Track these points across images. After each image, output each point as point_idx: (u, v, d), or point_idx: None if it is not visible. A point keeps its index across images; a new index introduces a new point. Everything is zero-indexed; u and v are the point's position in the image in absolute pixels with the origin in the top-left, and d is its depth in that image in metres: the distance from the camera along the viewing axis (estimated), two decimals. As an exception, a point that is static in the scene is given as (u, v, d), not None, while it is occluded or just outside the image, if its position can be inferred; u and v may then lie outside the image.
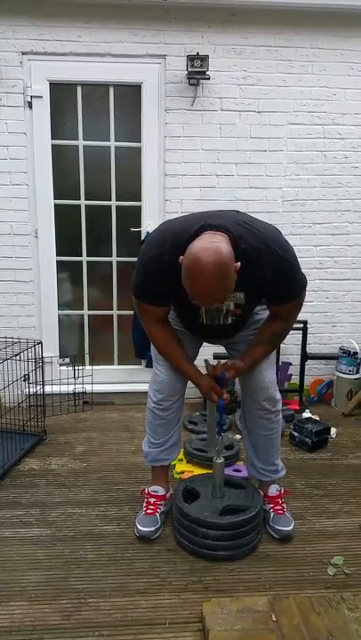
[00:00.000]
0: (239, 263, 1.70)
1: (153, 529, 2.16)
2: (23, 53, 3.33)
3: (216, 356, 3.29)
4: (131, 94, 3.48)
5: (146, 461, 2.35)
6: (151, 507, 2.23)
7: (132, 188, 3.56)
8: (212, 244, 1.65)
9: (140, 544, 2.13)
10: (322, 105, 3.54)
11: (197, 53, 3.28)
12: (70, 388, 3.60)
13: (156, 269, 1.89)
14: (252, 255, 1.79)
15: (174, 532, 2.16)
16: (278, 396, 2.22)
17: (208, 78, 3.33)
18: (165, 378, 2.18)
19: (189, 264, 1.65)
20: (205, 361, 2.19)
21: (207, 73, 3.30)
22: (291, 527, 2.18)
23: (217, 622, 1.65)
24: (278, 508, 2.24)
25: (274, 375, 2.22)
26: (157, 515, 2.22)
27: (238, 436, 3.09)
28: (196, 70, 3.28)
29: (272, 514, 2.22)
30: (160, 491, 2.28)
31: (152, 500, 2.26)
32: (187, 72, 3.31)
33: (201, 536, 2.04)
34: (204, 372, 2.13)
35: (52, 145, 3.46)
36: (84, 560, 2.04)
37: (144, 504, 2.26)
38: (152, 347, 2.19)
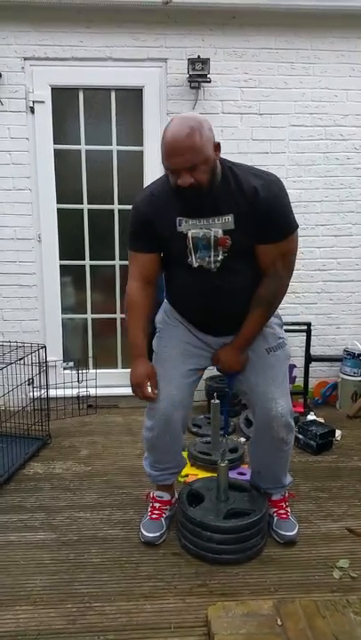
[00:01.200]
0: (218, 142, 1.75)
1: (158, 534, 2.15)
2: (25, 59, 3.34)
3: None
4: (132, 98, 3.49)
5: (149, 480, 2.31)
6: (156, 512, 2.23)
7: (134, 191, 3.50)
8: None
9: (145, 548, 2.13)
10: (323, 106, 3.54)
11: (198, 56, 3.29)
12: (74, 392, 3.60)
13: (143, 205, 1.91)
14: (243, 180, 1.80)
15: (179, 536, 2.16)
16: (293, 423, 2.09)
17: (209, 81, 3.34)
18: (162, 407, 2.02)
19: (167, 126, 1.73)
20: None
21: (208, 76, 3.31)
22: (294, 532, 2.16)
23: (222, 626, 1.64)
24: (282, 512, 2.22)
25: (289, 402, 2.06)
26: (162, 520, 2.21)
27: (243, 439, 3.09)
28: (198, 73, 3.29)
29: (275, 518, 2.21)
30: (165, 496, 2.27)
31: (157, 504, 2.25)
32: (188, 75, 3.32)
33: (205, 540, 2.03)
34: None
35: (55, 150, 3.47)
36: (89, 564, 2.04)
37: (149, 508, 2.26)
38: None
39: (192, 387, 2.12)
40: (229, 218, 1.81)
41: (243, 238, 1.83)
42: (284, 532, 2.15)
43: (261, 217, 1.79)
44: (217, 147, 1.76)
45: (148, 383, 2.00)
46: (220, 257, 1.85)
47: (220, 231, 1.82)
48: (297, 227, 1.90)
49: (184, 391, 2.06)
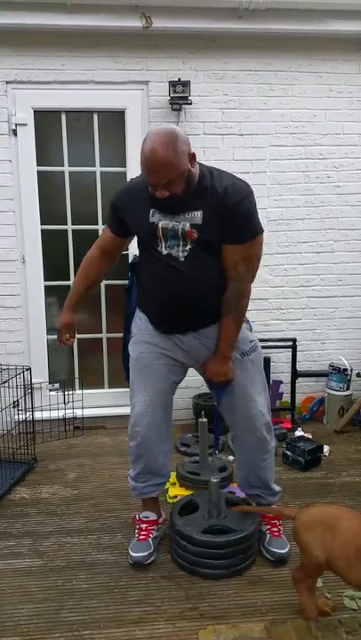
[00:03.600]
0: (194, 152, 1.86)
1: (146, 554, 2.13)
2: (7, 82, 3.36)
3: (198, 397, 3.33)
4: (115, 120, 3.53)
5: (133, 494, 2.32)
6: (143, 532, 2.21)
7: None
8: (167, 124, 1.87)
9: (134, 572, 2.10)
10: (303, 126, 3.61)
11: (179, 79, 3.33)
12: (61, 414, 3.57)
13: (121, 194, 2.09)
14: (216, 179, 1.92)
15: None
16: (270, 422, 2.20)
17: (190, 103, 3.39)
18: (142, 411, 2.14)
19: (144, 140, 1.81)
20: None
21: (189, 98, 3.35)
22: (286, 550, 2.15)
23: (214, 651, 1.62)
24: (275, 529, 2.22)
25: (267, 400, 2.19)
26: (150, 540, 2.19)
27: (231, 457, 3.07)
28: (179, 95, 3.33)
29: (268, 535, 2.20)
30: (152, 516, 2.26)
31: (144, 525, 2.23)
32: (169, 97, 3.36)
33: (182, 549, 2.07)
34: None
35: (38, 171, 3.48)
36: (78, 590, 2.01)
37: (136, 530, 2.24)
38: (130, 377, 2.19)
39: (171, 388, 2.20)
40: (198, 214, 1.91)
41: (209, 234, 1.93)
42: (275, 550, 2.15)
43: (227, 216, 1.90)
44: (192, 157, 1.87)
45: (67, 332, 2.29)
46: (188, 247, 1.95)
47: (188, 224, 1.92)
48: (261, 231, 1.97)
49: (164, 394, 2.16)
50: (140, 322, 2.17)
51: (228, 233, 1.92)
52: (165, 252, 1.97)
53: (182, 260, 1.96)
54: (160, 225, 1.94)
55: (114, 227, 2.14)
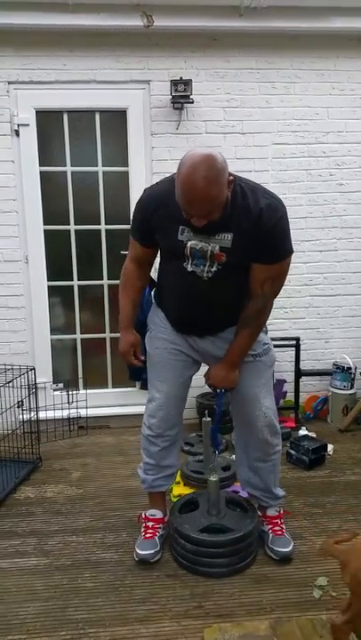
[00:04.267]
0: (232, 177, 1.76)
1: (152, 552, 2.14)
2: (9, 83, 3.37)
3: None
4: (117, 120, 3.53)
5: (142, 487, 2.33)
6: (150, 530, 2.21)
7: (120, 211, 3.58)
8: (205, 149, 1.73)
9: (139, 570, 2.11)
10: (305, 124, 3.60)
11: (181, 78, 3.33)
12: (65, 413, 3.57)
13: (148, 203, 1.96)
14: (251, 200, 1.82)
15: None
16: (278, 427, 2.17)
17: (192, 102, 3.39)
18: (160, 403, 2.16)
19: (182, 167, 1.70)
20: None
21: (191, 97, 3.35)
22: (290, 548, 2.15)
23: (219, 649, 1.62)
24: (277, 528, 2.21)
25: (273, 405, 2.16)
26: (156, 538, 2.20)
27: (235, 457, 3.07)
28: (180, 94, 3.33)
29: (271, 535, 2.20)
30: (158, 514, 2.26)
31: (150, 523, 2.23)
32: (171, 96, 3.36)
33: (180, 547, 2.09)
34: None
35: (41, 172, 3.49)
36: (83, 589, 2.01)
37: (142, 528, 2.24)
38: (148, 370, 2.20)
39: (186, 383, 2.21)
40: (229, 236, 1.85)
41: (238, 256, 1.88)
42: (278, 549, 2.14)
43: (261, 237, 1.83)
44: (230, 182, 1.77)
45: (133, 352, 2.22)
46: (215, 268, 1.91)
47: (218, 247, 1.87)
48: (292, 252, 1.93)
49: (179, 388, 2.18)
50: (157, 318, 2.17)
51: (260, 254, 1.87)
52: (190, 269, 1.92)
53: (206, 279, 1.92)
54: (189, 245, 1.88)
55: (143, 239, 2.04)
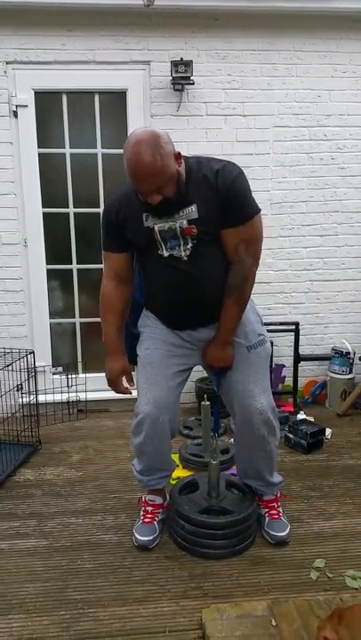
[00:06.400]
0: (178, 152, 1.81)
1: (151, 538, 2.15)
2: (7, 63, 3.32)
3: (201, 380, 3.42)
4: (116, 101, 3.49)
5: (140, 485, 2.32)
6: (149, 515, 2.23)
7: (120, 194, 3.55)
8: (146, 128, 1.83)
9: (138, 552, 2.13)
10: (307, 107, 3.56)
11: (181, 59, 3.29)
12: (64, 397, 3.58)
13: (111, 208, 2.00)
14: (205, 168, 1.86)
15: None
16: (275, 422, 2.11)
17: (193, 83, 3.34)
18: (145, 410, 2.05)
19: (126, 148, 1.75)
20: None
21: (192, 78, 3.31)
22: (286, 532, 2.17)
23: (217, 629, 1.64)
24: (274, 512, 2.23)
25: (270, 400, 2.08)
26: (155, 523, 2.21)
27: (233, 440, 3.09)
28: (181, 76, 3.29)
29: (267, 518, 2.22)
30: (157, 500, 2.27)
31: (149, 508, 2.25)
32: (171, 78, 3.32)
33: (179, 527, 2.10)
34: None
35: (39, 153, 3.45)
36: (82, 570, 2.03)
37: (141, 512, 2.26)
38: (137, 375, 2.13)
39: (178, 388, 2.13)
40: (193, 208, 1.86)
41: (208, 224, 1.88)
42: (274, 533, 2.16)
43: (223, 199, 1.85)
44: (178, 156, 1.82)
45: (124, 378, 2.16)
46: (190, 245, 1.90)
47: (185, 222, 1.87)
48: (258, 211, 1.93)
49: (170, 393, 2.08)
50: (147, 319, 2.12)
51: (226, 216, 1.87)
52: (167, 254, 1.92)
53: (186, 259, 1.91)
54: (156, 228, 1.88)
55: (116, 245, 2.04)
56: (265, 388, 2.07)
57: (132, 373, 2.20)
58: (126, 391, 2.18)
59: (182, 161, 1.85)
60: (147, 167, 1.71)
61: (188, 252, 1.90)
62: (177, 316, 2.04)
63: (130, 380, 2.17)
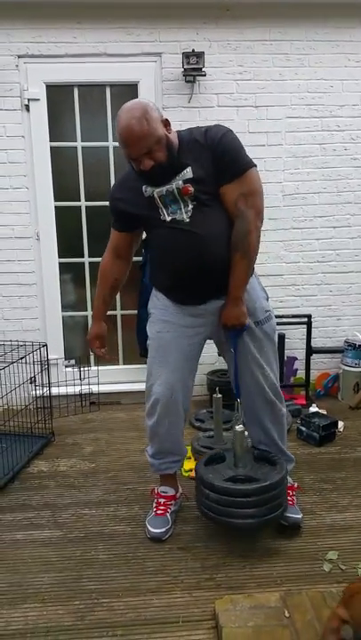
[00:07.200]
0: (166, 119, 1.91)
1: (164, 530, 2.17)
2: (19, 56, 3.33)
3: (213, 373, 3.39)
4: (128, 93, 3.47)
5: (151, 470, 2.35)
6: (161, 507, 2.24)
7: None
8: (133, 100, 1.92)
9: (151, 543, 2.14)
10: (320, 97, 3.53)
11: (193, 50, 3.27)
12: (77, 389, 3.61)
13: (114, 190, 2.16)
14: (195, 133, 1.95)
15: None
16: (280, 392, 2.19)
17: (204, 75, 3.33)
18: (158, 391, 2.11)
19: (117, 121, 1.87)
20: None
21: (203, 69, 3.29)
22: (300, 516, 2.19)
23: (230, 619, 1.65)
24: (289, 499, 2.22)
25: (276, 371, 2.17)
26: (168, 515, 2.22)
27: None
28: (192, 67, 3.28)
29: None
30: (170, 491, 2.29)
31: (162, 500, 2.26)
32: (183, 69, 3.30)
33: (204, 496, 2.06)
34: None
35: (51, 147, 3.46)
36: (96, 560, 2.05)
37: (154, 504, 2.27)
38: (148, 357, 2.17)
39: (191, 369, 2.17)
40: (187, 169, 1.91)
41: (204, 184, 1.92)
42: (289, 515, 2.16)
43: (215, 155, 1.90)
44: (166, 123, 1.91)
45: (98, 343, 2.34)
46: (190, 206, 1.94)
47: (181, 182, 1.91)
48: (253, 165, 1.95)
49: (182, 374, 2.12)
50: (156, 300, 2.14)
51: (221, 172, 1.90)
52: (169, 218, 1.96)
53: (188, 220, 1.94)
54: (155, 194, 1.94)
55: (117, 224, 2.16)
56: (271, 360, 2.14)
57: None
58: (99, 353, 2.37)
59: (172, 129, 1.93)
60: (134, 130, 1.81)
61: (189, 214, 1.94)
62: (185, 283, 2.02)
63: (103, 345, 2.35)
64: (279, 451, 2.24)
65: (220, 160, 1.89)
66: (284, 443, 2.27)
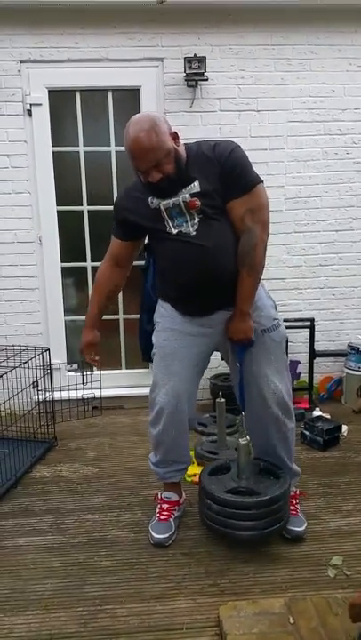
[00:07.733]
0: (175, 132, 1.90)
1: (167, 535, 2.15)
2: (21, 62, 3.34)
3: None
4: (130, 98, 3.49)
5: (156, 478, 2.34)
6: (165, 512, 2.23)
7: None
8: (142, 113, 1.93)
9: (155, 549, 2.13)
10: (321, 101, 3.53)
11: (195, 55, 3.28)
12: (79, 394, 3.60)
13: (120, 198, 2.13)
14: (204, 147, 1.93)
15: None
16: (290, 404, 2.13)
17: (206, 79, 3.33)
18: (163, 400, 2.09)
19: (125, 133, 1.85)
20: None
21: (205, 74, 3.30)
22: (303, 528, 2.16)
23: (234, 626, 1.64)
24: (292, 508, 2.21)
25: (286, 382, 2.12)
26: (171, 520, 2.21)
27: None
28: (194, 72, 3.28)
29: (285, 514, 2.21)
30: (173, 497, 2.28)
31: (165, 505, 2.25)
32: (184, 74, 3.31)
33: (206, 507, 2.07)
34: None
35: (53, 152, 3.47)
36: (99, 566, 2.04)
37: (157, 510, 2.26)
38: (154, 366, 2.16)
39: (196, 378, 2.17)
40: (195, 183, 1.90)
41: (211, 197, 1.91)
42: (291, 528, 2.15)
43: (222, 171, 1.89)
44: (175, 136, 1.90)
45: (92, 351, 2.30)
46: (197, 220, 1.93)
47: (188, 195, 1.90)
48: (260, 181, 1.94)
49: (187, 382, 2.11)
50: (163, 310, 2.13)
51: (229, 188, 1.90)
52: (175, 230, 1.95)
53: (194, 233, 1.93)
54: (162, 206, 1.93)
55: (119, 232, 2.13)
56: (278, 371, 2.09)
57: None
58: (91, 361, 2.31)
59: (180, 142, 1.92)
60: (142, 143, 1.79)
61: (195, 227, 1.93)
62: (192, 295, 2.02)
63: (97, 353, 2.31)
64: (285, 467, 2.21)
65: (228, 176, 1.88)
66: (291, 459, 2.23)
